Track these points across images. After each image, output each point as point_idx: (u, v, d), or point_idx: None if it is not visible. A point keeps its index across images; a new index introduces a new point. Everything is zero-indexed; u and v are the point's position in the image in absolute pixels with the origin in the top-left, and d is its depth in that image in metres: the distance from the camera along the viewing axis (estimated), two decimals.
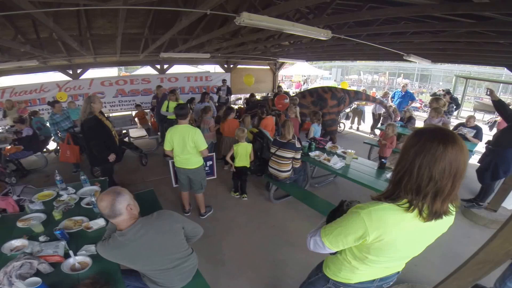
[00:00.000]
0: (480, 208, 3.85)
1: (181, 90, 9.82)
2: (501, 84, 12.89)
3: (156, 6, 3.49)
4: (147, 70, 10.76)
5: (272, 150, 3.81)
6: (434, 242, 1.16)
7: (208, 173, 4.10)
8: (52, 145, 6.51)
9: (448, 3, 2.23)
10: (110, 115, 8.24)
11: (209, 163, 4.07)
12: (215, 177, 4.20)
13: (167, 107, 5.93)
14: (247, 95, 12.00)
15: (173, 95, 6.03)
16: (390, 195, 1.06)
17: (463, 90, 10.50)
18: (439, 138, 0.92)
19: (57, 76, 7.67)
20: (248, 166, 4.14)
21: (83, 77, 7.93)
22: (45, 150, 6.06)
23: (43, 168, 5.50)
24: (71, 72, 7.63)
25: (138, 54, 6.90)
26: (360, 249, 1.15)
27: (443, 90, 8.02)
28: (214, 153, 4.10)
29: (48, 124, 6.35)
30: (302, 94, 6.53)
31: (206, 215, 3.83)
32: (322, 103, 6.26)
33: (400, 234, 1.06)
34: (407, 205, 0.99)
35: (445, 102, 5.28)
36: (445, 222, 1.08)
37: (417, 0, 2.40)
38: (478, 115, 10.41)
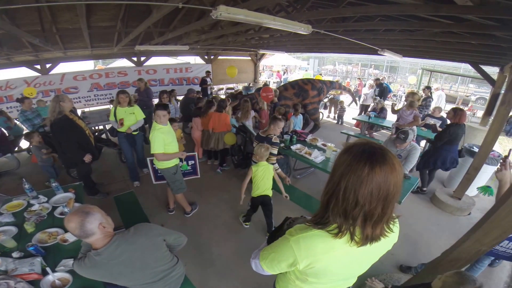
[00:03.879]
0: (444, 195, 4.12)
1: (160, 82, 9.58)
2: (459, 76, 14.03)
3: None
4: (124, 62, 10.30)
5: (254, 145, 3.69)
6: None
7: (190, 173, 3.98)
8: (24, 144, 6.08)
9: (431, 4, 2.21)
10: (85, 110, 7.92)
11: (191, 162, 3.93)
12: (199, 176, 4.06)
13: (114, 114, 4.08)
14: (229, 85, 11.91)
15: (124, 97, 3.99)
16: (320, 219, 0.95)
17: (428, 81, 11.69)
18: (366, 158, 0.81)
19: (25, 71, 7.15)
20: (270, 195, 3.23)
21: (53, 72, 7.47)
22: (16, 149, 5.72)
23: (16, 170, 5.18)
24: (39, 67, 7.14)
25: (112, 47, 6.56)
26: (299, 271, 1.06)
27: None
28: (196, 153, 3.96)
29: (18, 122, 6.00)
30: (284, 87, 6.66)
31: (191, 213, 3.77)
32: (304, 94, 6.49)
33: (331, 262, 0.97)
34: (336, 231, 0.89)
35: (419, 97, 5.47)
36: (387, 241, 0.97)
37: None
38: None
